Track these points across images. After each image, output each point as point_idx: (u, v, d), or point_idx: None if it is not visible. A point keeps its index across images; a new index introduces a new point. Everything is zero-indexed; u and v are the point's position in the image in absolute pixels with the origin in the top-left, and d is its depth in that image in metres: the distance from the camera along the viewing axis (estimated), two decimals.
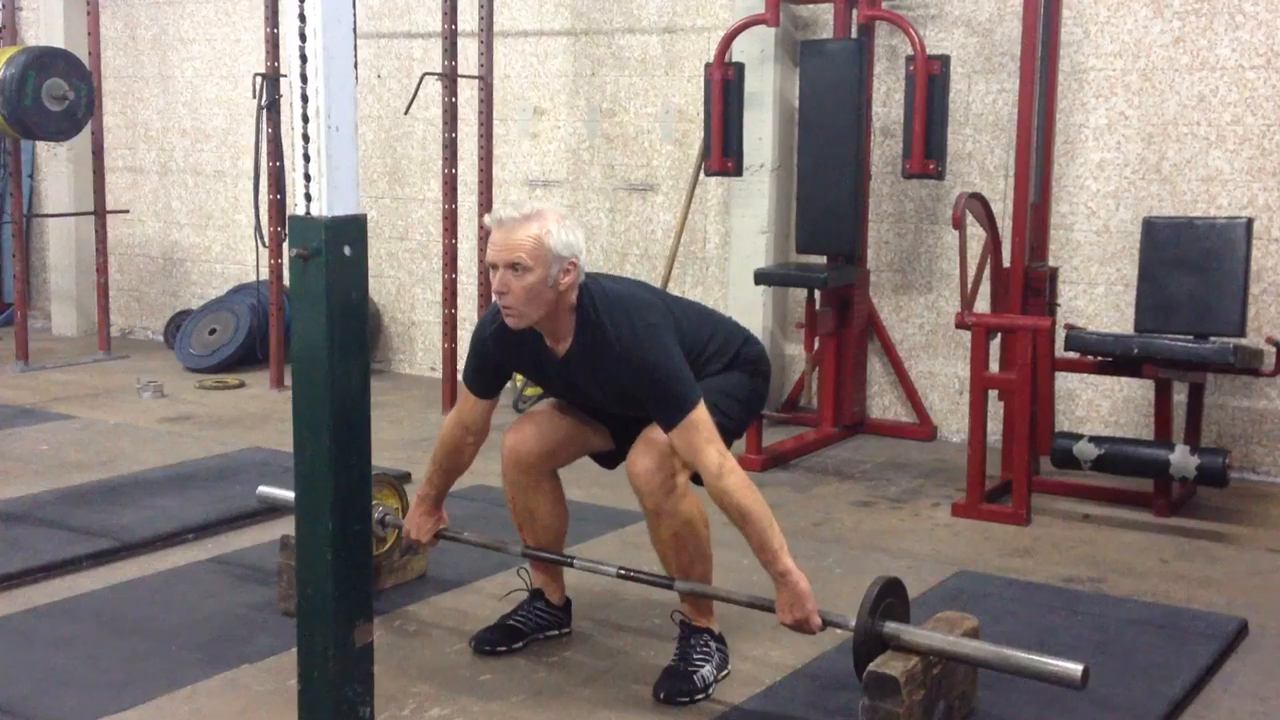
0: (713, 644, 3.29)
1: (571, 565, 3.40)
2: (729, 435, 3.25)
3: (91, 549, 4.16)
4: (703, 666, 3.23)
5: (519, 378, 6.41)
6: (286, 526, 3.53)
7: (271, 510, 4.47)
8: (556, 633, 3.55)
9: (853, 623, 2.94)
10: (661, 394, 3.06)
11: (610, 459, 3.53)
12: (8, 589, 3.87)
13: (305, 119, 2.34)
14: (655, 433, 3.13)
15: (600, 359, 3.12)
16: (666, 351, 3.09)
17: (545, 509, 3.48)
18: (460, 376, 3.43)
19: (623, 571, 3.32)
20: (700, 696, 3.18)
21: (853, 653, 2.94)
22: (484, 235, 6.41)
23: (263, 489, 4.12)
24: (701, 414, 3.05)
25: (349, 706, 2.51)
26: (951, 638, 2.91)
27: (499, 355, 3.30)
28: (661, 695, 3.17)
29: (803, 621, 3.02)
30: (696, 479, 3.17)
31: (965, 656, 2.92)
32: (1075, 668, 2.74)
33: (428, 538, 3.54)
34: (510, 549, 3.53)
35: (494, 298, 3.11)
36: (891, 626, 2.93)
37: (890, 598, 2.99)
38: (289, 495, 3.98)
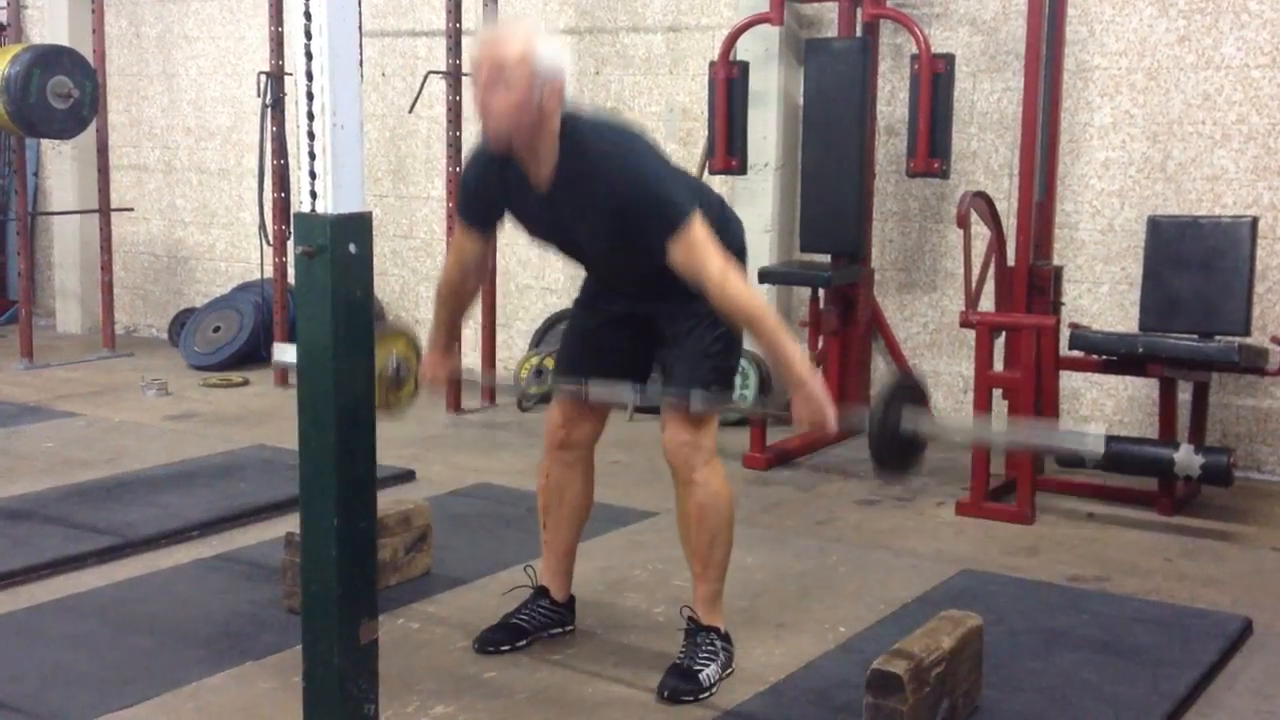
0: (719, 643, 3.29)
1: (587, 396, 3.30)
2: (735, 373, 3.28)
3: (96, 546, 4.17)
4: (708, 665, 3.23)
5: (523, 374, 6.42)
6: (291, 524, 3.53)
7: (276, 507, 4.49)
8: (560, 630, 3.55)
9: (867, 423, 2.85)
10: (653, 209, 2.97)
11: (635, 366, 3.41)
12: (12, 586, 3.87)
13: (310, 117, 2.34)
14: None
15: (585, 185, 3.01)
16: (652, 165, 3.03)
17: (578, 490, 3.48)
18: (456, 211, 3.38)
19: (637, 389, 3.26)
20: (704, 695, 3.18)
21: (871, 453, 2.87)
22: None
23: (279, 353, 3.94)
24: (698, 227, 2.97)
25: (353, 703, 2.51)
26: (970, 427, 2.82)
27: (483, 193, 3.22)
28: (666, 693, 3.17)
29: (819, 425, 2.95)
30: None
31: (988, 442, 2.83)
32: (1098, 432, 2.62)
33: (445, 373, 3.46)
34: (514, 389, 3.38)
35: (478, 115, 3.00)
36: (909, 422, 2.84)
37: (905, 394, 2.89)
38: None
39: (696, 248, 2.96)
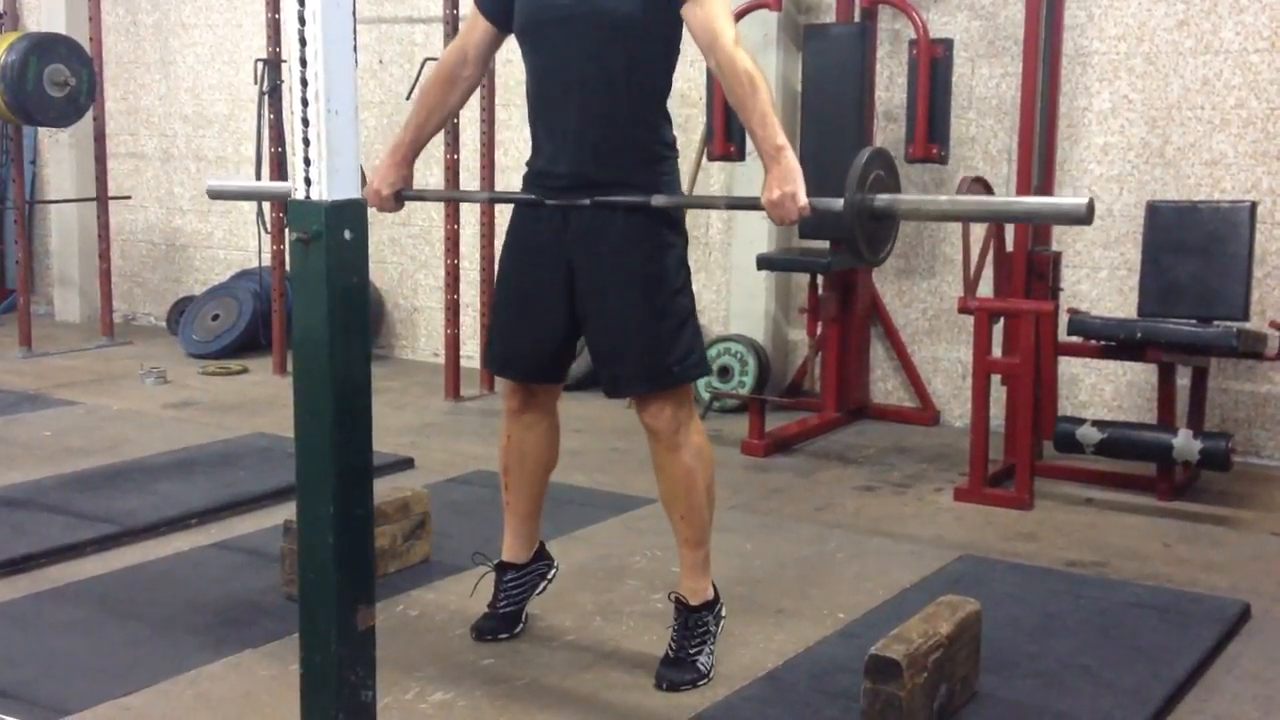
0: (709, 618, 3.26)
1: (544, 205, 3.15)
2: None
3: (95, 534, 4.17)
4: (702, 651, 3.22)
5: None
6: (289, 511, 3.53)
7: (275, 495, 4.49)
8: (544, 584, 3.51)
9: (840, 203, 2.76)
10: None
11: (567, 339, 3.30)
12: (11, 574, 3.87)
13: (305, 103, 2.33)
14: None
15: None
16: None
17: (538, 450, 3.40)
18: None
19: (597, 199, 3.08)
20: (703, 682, 3.18)
21: (846, 231, 2.79)
22: (487, 220, 6.43)
23: (211, 182, 3.87)
24: None
25: (351, 690, 2.51)
26: (949, 199, 2.71)
27: None
28: (664, 686, 3.16)
29: (789, 195, 2.88)
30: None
31: (967, 212, 2.74)
32: (1079, 200, 2.56)
33: (389, 190, 3.32)
34: (476, 196, 3.29)
35: None
36: (883, 198, 2.77)
37: (879, 169, 2.82)
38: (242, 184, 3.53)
39: (715, 6, 3.00)
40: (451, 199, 3.17)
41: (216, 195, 3.84)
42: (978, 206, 2.64)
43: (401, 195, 3.36)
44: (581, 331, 3.26)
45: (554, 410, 3.44)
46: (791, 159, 2.90)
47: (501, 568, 3.49)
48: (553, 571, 3.56)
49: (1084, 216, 2.55)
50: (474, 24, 3.29)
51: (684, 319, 3.17)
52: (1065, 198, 2.63)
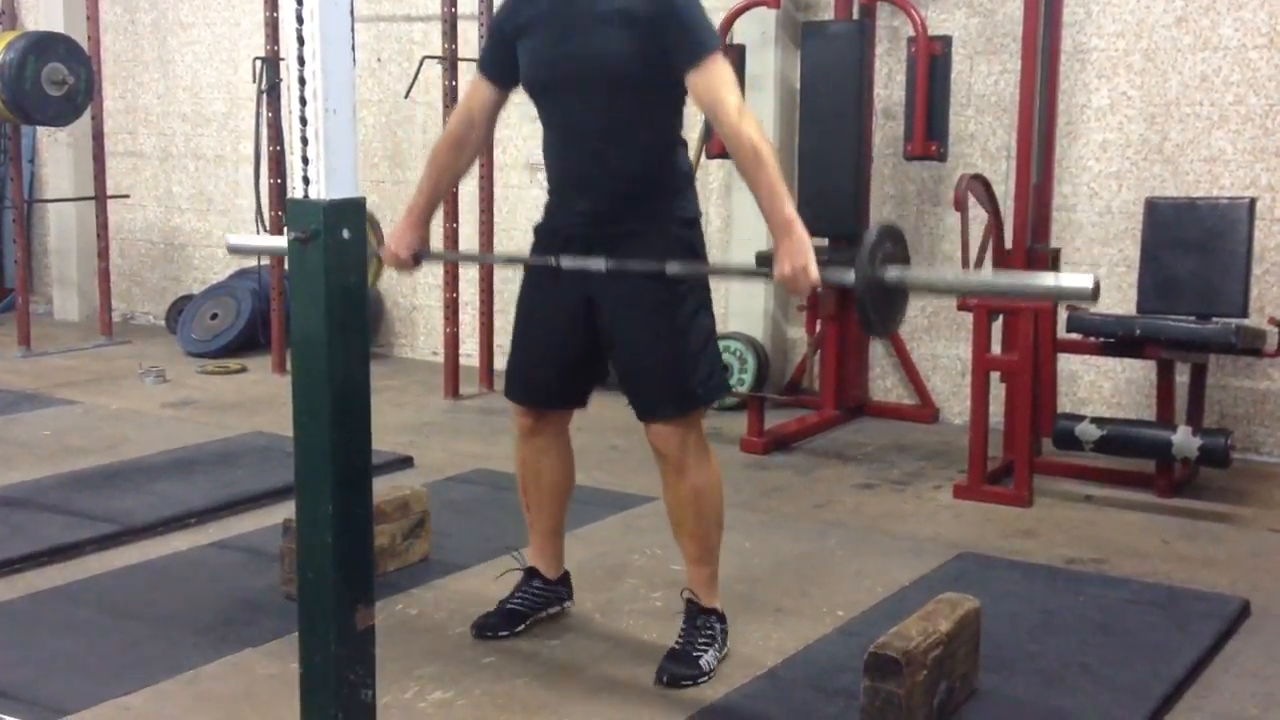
0: (717, 625, 3.29)
1: (559, 265, 3.15)
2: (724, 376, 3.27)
3: (94, 534, 4.17)
4: (707, 651, 3.23)
5: None
6: (289, 510, 3.52)
7: (274, 494, 4.48)
8: (558, 609, 3.55)
9: (851, 275, 2.76)
10: (687, 29, 2.98)
11: (594, 370, 3.38)
12: (10, 574, 3.87)
13: (303, 101, 2.33)
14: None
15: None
16: None
17: (553, 467, 3.45)
18: (477, 63, 3.33)
19: (610, 265, 3.07)
20: (703, 680, 3.18)
21: (857, 307, 2.81)
22: (485, 219, 6.43)
23: (231, 239, 3.93)
24: (724, 61, 2.98)
25: (351, 690, 2.51)
26: (956, 275, 2.74)
27: (510, 22, 3.18)
28: (665, 679, 3.17)
29: (801, 270, 2.89)
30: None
31: (974, 288, 2.75)
32: (1085, 280, 2.56)
33: (408, 254, 3.35)
34: (495, 258, 3.36)
35: None
36: (894, 271, 2.78)
37: (889, 243, 2.82)
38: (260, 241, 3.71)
39: (719, 75, 2.97)
40: (470, 260, 3.23)
41: (236, 251, 3.89)
42: (985, 283, 2.68)
43: (419, 256, 3.41)
44: (604, 356, 3.30)
45: (565, 432, 3.47)
46: (801, 232, 2.92)
47: (531, 572, 3.53)
48: (568, 604, 3.58)
49: (1090, 295, 2.56)
50: (477, 86, 3.32)
51: (705, 339, 3.20)
52: (1073, 276, 2.65)
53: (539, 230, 3.33)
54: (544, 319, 3.31)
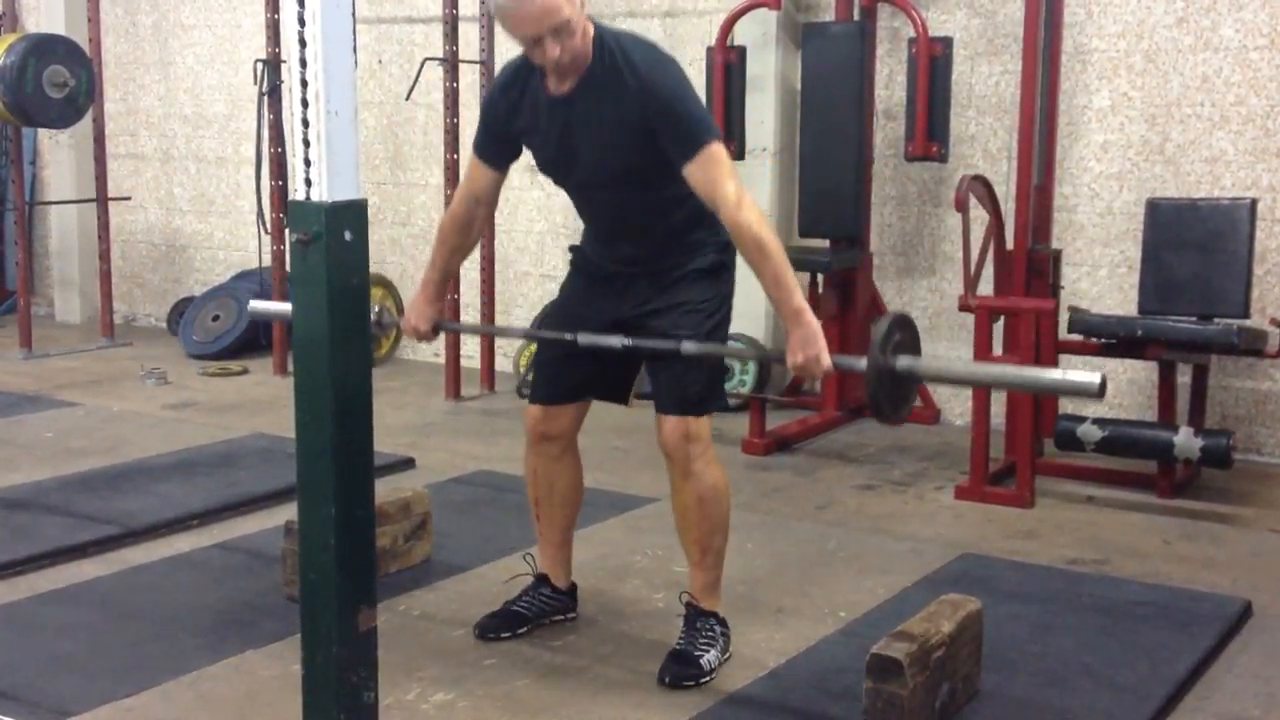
0: (718, 628, 3.30)
1: (576, 341, 3.20)
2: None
3: (96, 535, 4.17)
4: (708, 651, 3.23)
5: (523, 362, 6.42)
6: (290, 512, 3.53)
7: (276, 496, 4.48)
8: (562, 618, 3.55)
9: (863, 363, 2.82)
10: (679, 124, 2.98)
11: (618, 390, 3.44)
12: (12, 576, 3.87)
13: (304, 104, 2.34)
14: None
15: (611, 90, 3.01)
16: (683, 82, 3.01)
17: (565, 482, 3.48)
18: (473, 147, 3.35)
19: (627, 344, 3.14)
20: (705, 680, 3.19)
21: (868, 394, 2.85)
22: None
23: (255, 303, 4.01)
24: (720, 149, 2.98)
25: (353, 691, 2.51)
26: (966, 366, 2.78)
27: (505, 115, 3.20)
28: (667, 679, 3.17)
29: (813, 359, 2.94)
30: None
31: (982, 380, 2.80)
32: (1093, 378, 2.61)
33: (427, 326, 3.41)
34: (512, 331, 3.41)
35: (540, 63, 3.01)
36: (905, 361, 2.82)
37: (900, 333, 2.87)
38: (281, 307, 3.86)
39: (716, 167, 2.96)
40: (489, 333, 3.24)
41: (259, 316, 3.96)
42: (994, 375, 2.73)
43: (439, 327, 3.47)
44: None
45: (574, 441, 3.48)
46: (811, 321, 2.95)
47: (541, 579, 3.55)
48: (573, 616, 3.58)
49: (1096, 393, 2.61)
50: (477, 168, 3.34)
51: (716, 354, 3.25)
52: (1080, 374, 2.70)
53: (579, 254, 3.41)
54: (574, 322, 3.31)
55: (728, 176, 2.96)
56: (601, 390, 3.42)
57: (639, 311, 3.23)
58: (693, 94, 3.05)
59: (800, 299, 2.97)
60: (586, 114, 3.07)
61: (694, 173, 2.97)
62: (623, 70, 2.99)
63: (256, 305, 3.96)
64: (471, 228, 3.38)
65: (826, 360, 2.94)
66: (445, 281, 3.45)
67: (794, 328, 2.97)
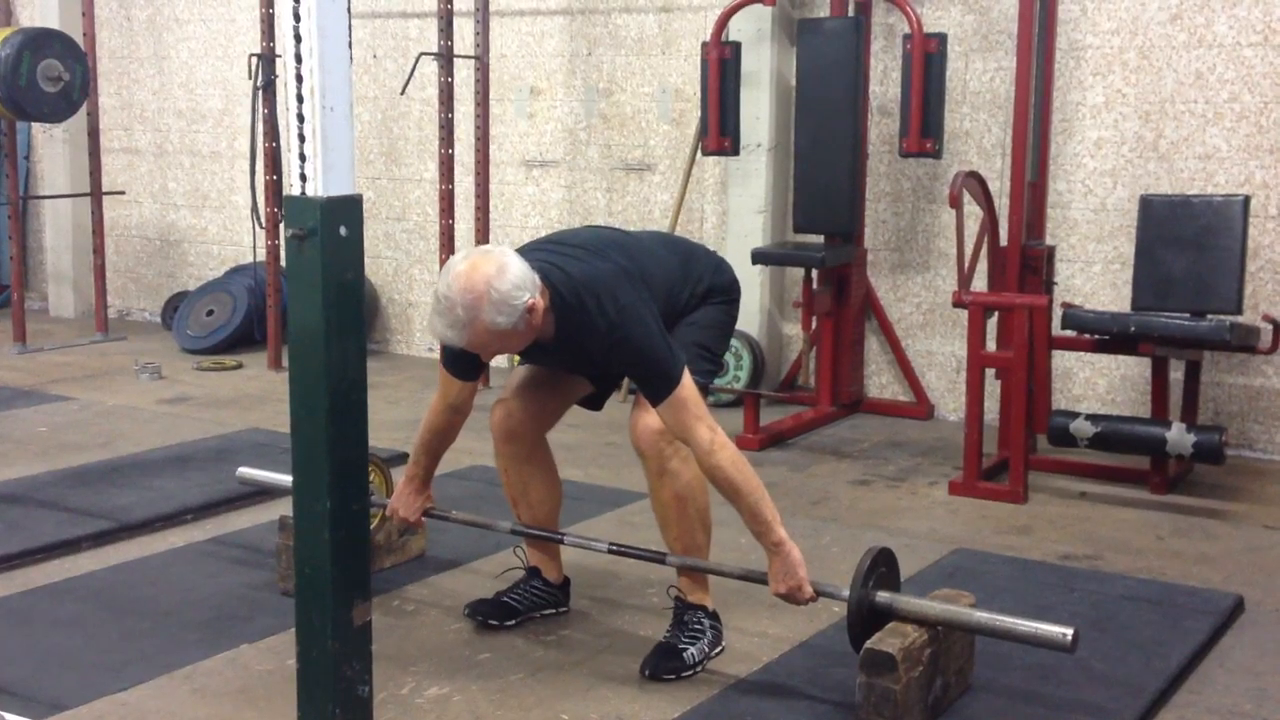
0: (705, 620, 3.30)
1: (563, 542, 3.39)
2: (716, 370, 3.39)
3: (90, 530, 4.17)
4: (693, 644, 3.24)
5: (514, 360, 6.42)
6: (285, 507, 3.53)
7: (263, 492, 4.48)
8: (554, 611, 3.56)
9: (845, 593, 2.97)
10: (647, 372, 3.05)
11: (594, 401, 3.55)
12: (6, 570, 3.88)
13: (300, 99, 2.34)
14: None
15: (584, 339, 3.09)
16: (647, 329, 3.05)
17: (539, 481, 3.49)
18: (440, 361, 3.38)
19: (614, 547, 3.32)
20: (688, 674, 3.19)
21: (847, 624, 2.97)
22: (481, 216, 6.44)
23: (243, 470, 4.13)
24: (688, 389, 3.03)
25: (347, 685, 2.52)
26: (943, 606, 2.94)
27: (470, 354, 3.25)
28: (648, 672, 3.19)
29: (795, 590, 3.04)
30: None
31: (957, 623, 2.94)
32: (1065, 631, 2.80)
33: (416, 516, 3.51)
34: (499, 526, 3.53)
35: None
36: (884, 596, 2.96)
37: (882, 567, 3.02)
38: (270, 476, 4.02)
39: (684, 411, 3.02)
40: (475, 524, 3.29)
41: (246, 482, 4.15)
42: (970, 621, 2.89)
43: (429, 513, 3.55)
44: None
45: (542, 441, 3.50)
46: (791, 552, 3.04)
47: (533, 572, 3.56)
48: (565, 610, 3.59)
49: (1067, 647, 2.81)
50: (448, 383, 3.35)
51: (691, 341, 3.30)
52: (1052, 627, 2.86)
53: None
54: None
55: (696, 420, 3.02)
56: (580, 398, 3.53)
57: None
58: (653, 332, 3.05)
59: (780, 531, 3.04)
60: (568, 350, 3.17)
61: (664, 414, 3.05)
62: (592, 323, 3.05)
63: (245, 472, 4.10)
64: (451, 431, 3.44)
65: (809, 590, 3.05)
66: (429, 475, 3.51)
67: (774, 559, 3.06)
